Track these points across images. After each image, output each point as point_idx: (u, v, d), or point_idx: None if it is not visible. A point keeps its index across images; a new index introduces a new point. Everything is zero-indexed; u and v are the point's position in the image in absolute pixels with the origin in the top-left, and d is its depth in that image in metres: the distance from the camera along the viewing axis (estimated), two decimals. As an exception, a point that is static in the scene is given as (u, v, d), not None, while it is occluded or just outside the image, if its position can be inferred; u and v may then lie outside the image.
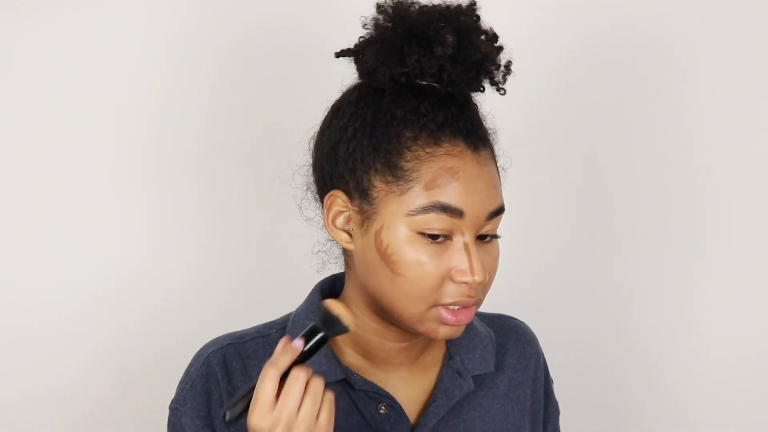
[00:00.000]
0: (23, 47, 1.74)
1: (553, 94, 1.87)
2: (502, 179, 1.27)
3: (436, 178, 1.19)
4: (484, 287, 1.23)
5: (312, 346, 1.14)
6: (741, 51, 1.87)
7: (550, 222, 1.90)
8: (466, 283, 1.19)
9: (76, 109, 1.76)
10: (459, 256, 1.19)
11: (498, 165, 1.27)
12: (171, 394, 1.31)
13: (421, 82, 1.22)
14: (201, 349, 1.31)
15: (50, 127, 1.76)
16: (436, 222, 1.18)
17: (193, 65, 1.80)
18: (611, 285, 1.91)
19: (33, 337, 1.76)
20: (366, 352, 1.29)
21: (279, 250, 1.84)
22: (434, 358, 1.34)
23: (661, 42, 1.87)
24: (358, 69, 1.26)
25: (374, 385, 1.27)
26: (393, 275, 1.19)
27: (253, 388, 1.13)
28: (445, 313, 1.20)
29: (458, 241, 1.20)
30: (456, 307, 1.20)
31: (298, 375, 1.12)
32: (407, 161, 1.20)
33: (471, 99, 1.26)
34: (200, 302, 1.82)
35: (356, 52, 1.26)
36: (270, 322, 1.34)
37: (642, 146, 1.89)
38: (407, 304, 1.20)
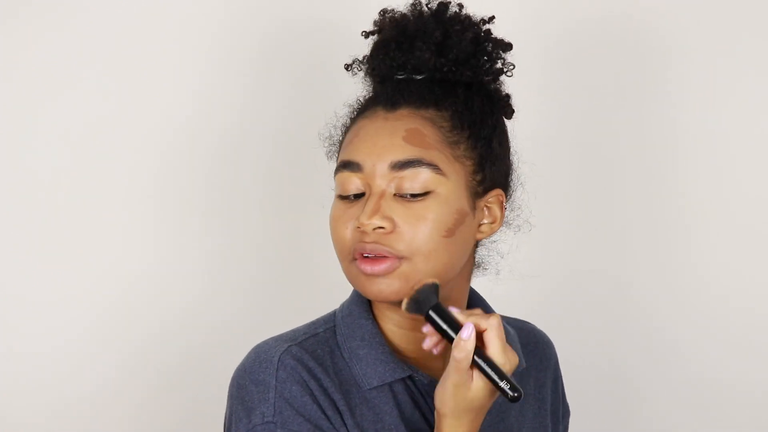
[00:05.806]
0: (37, 51, 1.75)
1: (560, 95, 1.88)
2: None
3: (347, 143, 1.24)
4: (402, 241, 1.19)
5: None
6: (751, 41, 1.86)
7: (568, 227, 1.90)
8: (358, 228, 1.20)
9: (85, 116, 1.76)
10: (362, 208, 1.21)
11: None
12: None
13: (398, 76, 1.27)
14: (259, 356, 1.22)
15: (58, 135, 1.75)
16: (346, 182, 1.22)
17: (208, 70, 1.81)
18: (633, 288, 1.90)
19: (51, 350, 1.76)
20: (409, 351, 1.27)
21: (295, 253, 1.84)
22: None
23: (671, 35, 1.87)
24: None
25: (435, 381, 1.23)
26: None
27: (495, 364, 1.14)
28: (360, 263, 1.20)
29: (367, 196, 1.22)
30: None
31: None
32: (342, 138, 1.28)
33: (465, 87, 1.26)
34: (216, 306, 1.82)
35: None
36: (310, 323, 1.30)
37: (666, 149, 1.88)
38: (341, 262, 1.24)
